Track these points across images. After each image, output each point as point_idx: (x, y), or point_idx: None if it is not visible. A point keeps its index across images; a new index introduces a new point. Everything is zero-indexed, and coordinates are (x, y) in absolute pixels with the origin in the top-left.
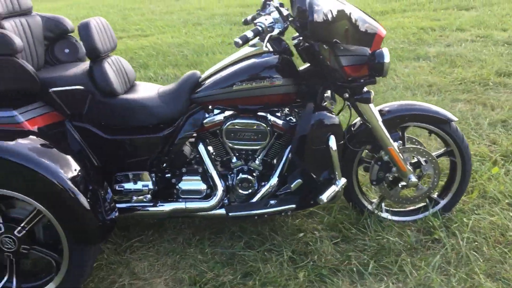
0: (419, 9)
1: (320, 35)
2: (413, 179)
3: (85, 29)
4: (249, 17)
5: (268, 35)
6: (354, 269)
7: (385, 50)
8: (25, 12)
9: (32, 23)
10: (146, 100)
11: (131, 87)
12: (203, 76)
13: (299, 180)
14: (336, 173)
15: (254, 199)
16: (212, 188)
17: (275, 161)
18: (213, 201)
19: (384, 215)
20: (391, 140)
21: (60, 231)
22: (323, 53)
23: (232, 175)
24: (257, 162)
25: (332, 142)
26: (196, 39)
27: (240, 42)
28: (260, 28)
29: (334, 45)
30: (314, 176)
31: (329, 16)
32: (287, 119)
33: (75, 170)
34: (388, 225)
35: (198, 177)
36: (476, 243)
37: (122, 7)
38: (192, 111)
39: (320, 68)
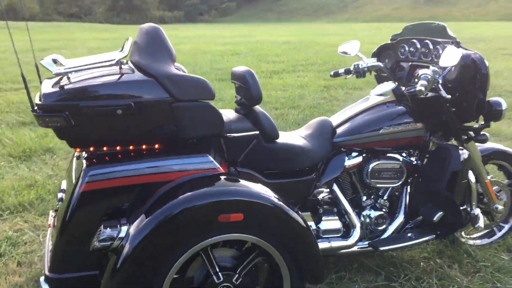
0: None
1: (485, 86)
2: (500, 207)
3: (251, 76)
4: (341, 70)
5: (438, 83)
6: (498, 285)
7: (501, 99)
8: None
9: None
10: (303, 144)
11: None
12: (336, 122)
13: (441, 212)
14: (474, 203)
15: (386, 234)
16: (347, 226)
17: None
18: (354, 238)
19: (471, 241)
20: (486, 175)
21: (284, 272)
22: (470, 101)
23: (364, 212)
24: (385, 198)
25: (472, 176)
26: None
27: (423, 89)
28: (427, 78)
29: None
30: (458, 207)
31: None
32: (410, 159)
33: (291, 205)
34: (476, 248)
35: (336, 217)
36: None
37: None
38: (331, 154)
39: (438, 115)
